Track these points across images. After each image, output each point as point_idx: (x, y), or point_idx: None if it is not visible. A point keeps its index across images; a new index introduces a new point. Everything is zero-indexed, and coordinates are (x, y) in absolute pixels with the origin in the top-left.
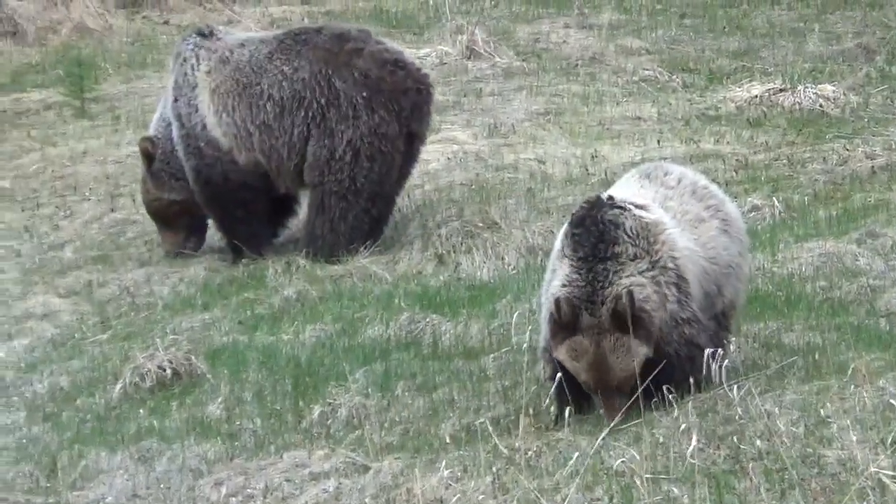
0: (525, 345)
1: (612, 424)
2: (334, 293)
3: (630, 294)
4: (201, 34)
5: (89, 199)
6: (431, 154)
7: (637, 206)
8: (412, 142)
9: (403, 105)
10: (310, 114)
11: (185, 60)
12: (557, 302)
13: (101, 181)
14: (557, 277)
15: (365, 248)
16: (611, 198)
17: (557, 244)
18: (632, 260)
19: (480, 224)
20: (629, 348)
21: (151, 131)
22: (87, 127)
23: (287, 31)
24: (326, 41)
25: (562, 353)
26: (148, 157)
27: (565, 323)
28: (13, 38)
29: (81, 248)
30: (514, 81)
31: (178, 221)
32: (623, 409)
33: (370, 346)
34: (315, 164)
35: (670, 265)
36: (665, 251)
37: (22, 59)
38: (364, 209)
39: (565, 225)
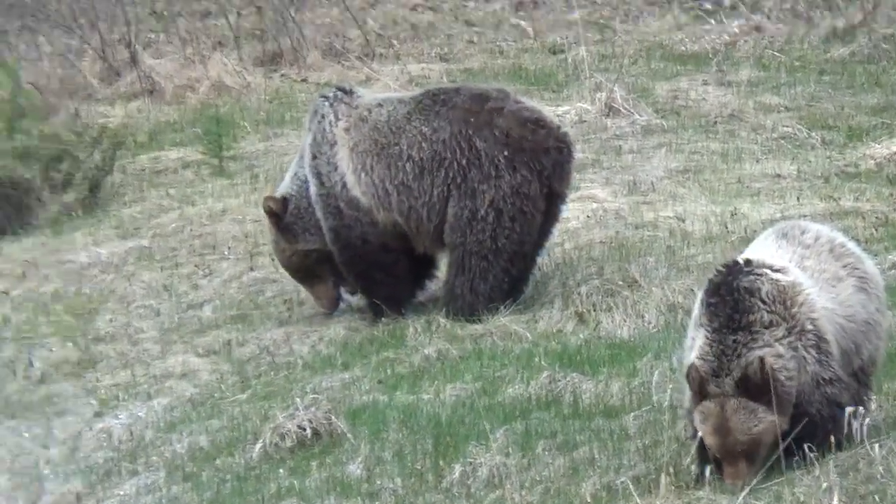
0: (666, 403)
1: (742, 489)
2: (474, 352)
3: (760, 361)
4: (340, 92)
5: (228, 258)
6: (571, 212)
7: (774, 269)
8: (553, 201)
9: (545, 164)
10: (450, 174)
11: (322, 117)
12: (688, 373)
13: (239, 240)
14: (695, 347)
15: (505, 307)
16: (748, 262)
17: (695, 310)
18: (766, 327)
19: (620, 282)
20: (754, 414)
21: (283, 189)
22: (226, 185)
23: (425, 91)
24: (466, 101)
25: (695, 417)
26: (274, 217)
27: (696, 391)
28: (151, 97)
29: (220, 308)
30: (653, 139)
31: (321, 270)
32: (745, 476)
33: (510, 404)
34: (456, 225)
35: (809, 327)
36: (803, 313)
37: (160, 118)
38: (504, 269)
39: (702, 291)
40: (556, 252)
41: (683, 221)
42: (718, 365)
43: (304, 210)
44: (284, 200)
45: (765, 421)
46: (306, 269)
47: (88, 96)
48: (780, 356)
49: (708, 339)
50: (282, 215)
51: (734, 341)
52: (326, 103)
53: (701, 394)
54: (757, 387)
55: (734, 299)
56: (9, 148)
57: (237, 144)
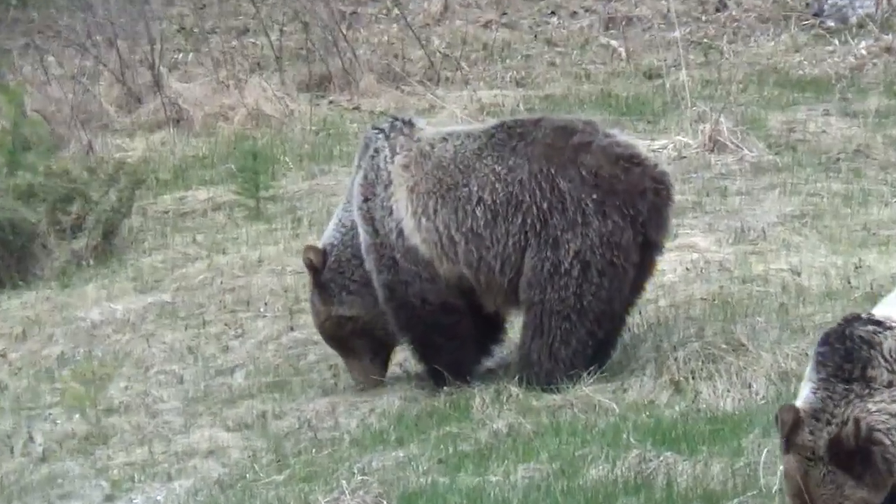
0: (775, 487)
1: None
2: (551, 427)
3: (856, 424)
4: (398, 122)
5: (264, 316)
6: (668, 263)
7: None
8: (648, 251)
9: (639, 208)
10: (528, 220)
11: (376, 152)
12: (778, 413)
13: (278, 295)
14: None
15: (588, 374)
16: (871, 315)
17: (807, 368)
18: (886, 387)
19: (724, 346)
20: (840, 490)
21: (325, 239)
22: (263, 231)
23: (499, 123)
24: (547, 135)
25: (781, 468)
26: (314, 271)
27: (785, 435)
28: (177, 127)
29: (254, 374)
30: (764, 178)
31: (355, 343)
32: None
33: (593, 488)
34: (534, 280)
35: None
36: None
37: (187, 151)
38: (589, 331)
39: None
40: (649, 310)
41: (799, 275)
42: (821, 407)
43: (346, 264)
44: (324, 252)
45: (852, 499)
46: (339, 339)
47: (104, 126)
48: (890, 418)
49: (814, 387)
50: (320, 269)
51: (845, 390)
52: (381, 136)
53: (789, 441)
54: (849, 455)
55: (847, 349)
56: (10, 186)
57: (277, 183)
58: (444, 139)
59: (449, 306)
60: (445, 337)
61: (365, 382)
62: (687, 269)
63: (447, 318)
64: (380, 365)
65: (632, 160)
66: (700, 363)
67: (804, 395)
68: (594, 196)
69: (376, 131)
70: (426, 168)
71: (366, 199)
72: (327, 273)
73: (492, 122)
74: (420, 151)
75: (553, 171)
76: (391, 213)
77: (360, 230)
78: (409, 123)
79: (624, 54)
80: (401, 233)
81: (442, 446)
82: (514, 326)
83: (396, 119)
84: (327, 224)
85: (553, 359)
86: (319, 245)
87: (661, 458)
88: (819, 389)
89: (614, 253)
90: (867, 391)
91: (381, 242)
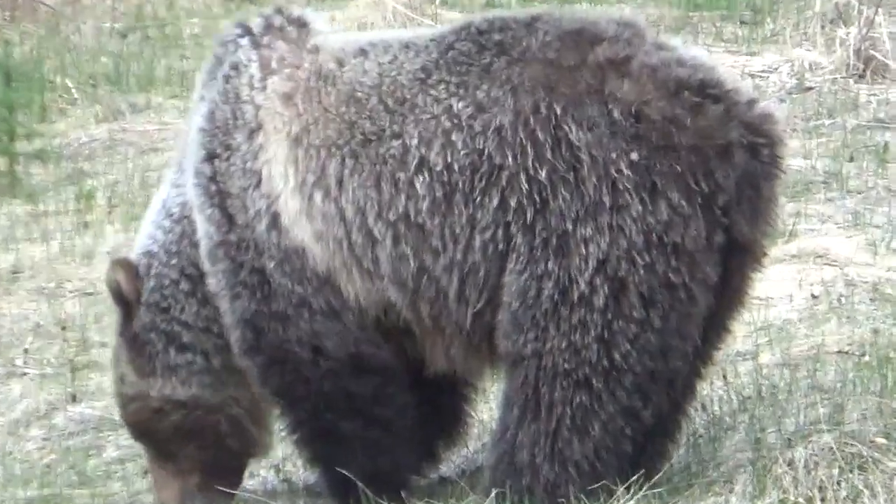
0: None
1: None
2: None
3: None
4: (277, 19)
5: (23, 375)
6: (778, 285)
7: None
8: (737, 261)
9: (720, 180)
10: (511, 203)
11: (235, 70)
12: None
13: (48, 336)
14: None
15: (627, 488)
16: None
17: None
18: None
19: (882, 440)
20: None
21: (140, 243)
22: (23, 216)
23: (462, 24)
24: (549, 46)
25: None
26: (126, 306)
27: None
28: None
29: (2, 483)
30: None
31: (181, 447)
32: None
33: None
34: (523, 315)
35: None
36: None
37: None
38: (626, 409)
39: None
40: (741, 373)
41: None
42: None
43: (172, 291)
44: (137, 272)
45: None
46: (153, 434)
47: None
48: None
49: None
50: (134, 301)
51: None
52: (246, 42)
53: None
54: None
55: None
56: None
57: (49, 128)
58: (362, 52)
59: (364, 361)
60: (357, 419)
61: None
62: (813, 297)
63: (360, 382)
64: (214, 494)
65: (705, 91)
66: (836, 471)
67: None
68: (634, 157)
69: (237, 33)
70: (326, 102)
71: (211, 158)
72: (145, 313)
73: (449, 25)
74: (316, 71)
75: (559, 112)
76: (259, 183)
77: (199, 217)
78: (299, 22)
79: None
80: (276, 221)
81: None
82: (490, 403)
83: (277, 13)
84: (143, 218)
85: (560, 459)
86: (132, 257)
87: None
88: None
89: (672, 264)
90: None
91: (238, 240)
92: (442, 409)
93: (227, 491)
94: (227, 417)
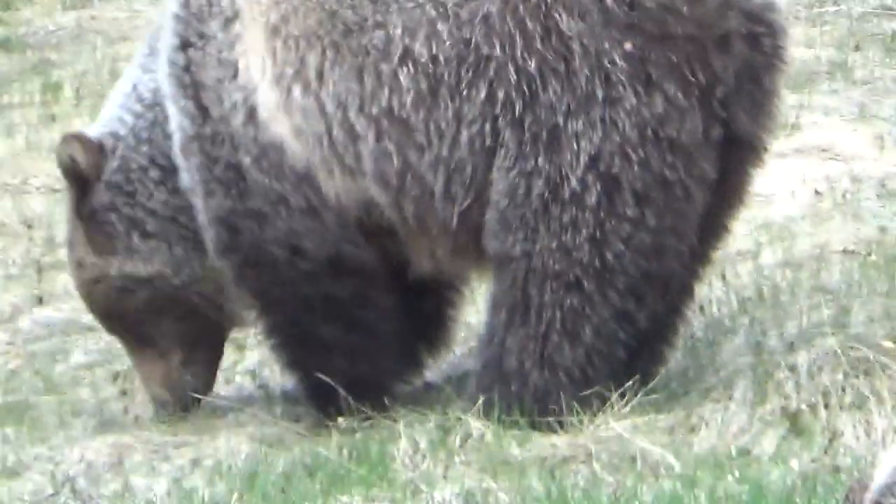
0: None
1: None
2: (550, 497)
3: None
4: None
5: None
6: (780, 182)
7: None
8: (737, 156)
9: (718, 72)
10: (499, 95)
11: None
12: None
13: (14, 235)
14: None
15: (621, 395)
16: None
17: None
18: None
19: (889, 344)
20: None
21: (103, 124)
22: None
23: None
24: None
25: None
26: (79, 182)
27: None
28: None
29: None
30: None
31: (156, 324)
32: None
33: None
34: (511, 214)
35: None
36: None
37: None
38: (620, 312)
39: None
40: (741, 273)
41: None
42: None
43: (140, 176)
44: (99, 148)
45: None
46: (122, 317)
47: None
48: None
49: None
50: (91, 179)
51: None
52: None
53: None
54: None
55: None
56: None
57: (13, 16)
58: None
59: (345, 262)
60: (338, 322)
61: (168, 399)
62: (816, 192)
63: (341, 283)
64: (200, 368)
65: None
66: (841, 377)
67: None
68: (628, 47)
69: None
70: None
71: (185, 46)
72: (104, 192)
73: None
74: None
75: (549, 1)
76: (235, 75)
77: (172, 108)
78: None
79: None
80: (253, 115)
81: None
82: (476, 305)
83: None
84: (110, 97)
85: (550, 365)
86: (92, 135)
87: None
88: None
89: (668, 159)
90: None
91: (213, 133)
92: (426, 313)
93: (204, 378)
94: (196, 293)
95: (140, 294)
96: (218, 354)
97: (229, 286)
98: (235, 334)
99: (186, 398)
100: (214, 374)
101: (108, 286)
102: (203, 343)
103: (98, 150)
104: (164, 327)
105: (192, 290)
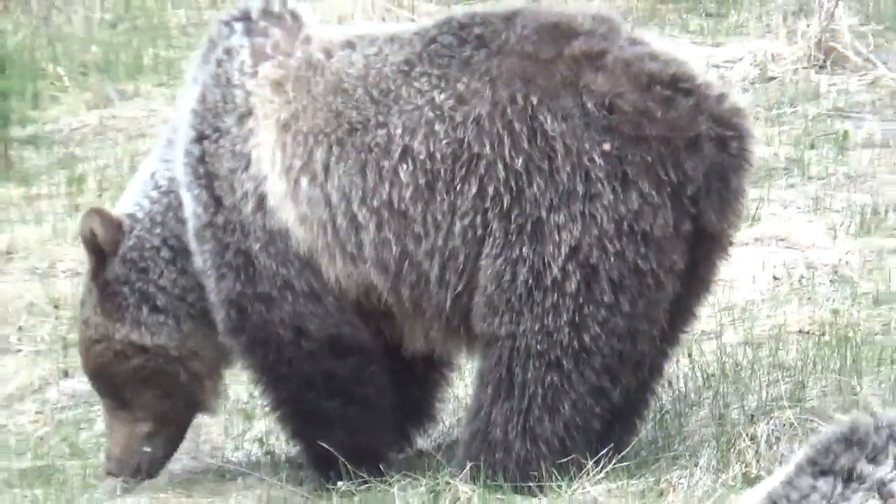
0: None
1: None
2: None
3: None
4: (271, 9)
5: (17, 351)
6: (741, 268)
7: None
8: (704, 248)
9: (689, 171)
10: (489, 190)
11: (228, 55)
12: None
13: (41, 314)
14: None
15: (596, 462)
16: None
17: None
18: None
19: (840, 416)
20: None
21: (125, 205)
22: (17, 198)
23: (445, 19)
24: (527, 39)
25: None
26: (97, 253)
27: None
28: None
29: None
30: None
31: (137, 393)
32: None
33: None
34: (498, 298)
35: None
36: None
37: None
38: (596, 388)
39: None
40: (706, 352)
41: None
42: None
43: (153, 255)
44: (119, 226)
45: None
46: (112, 377)
47: None
48: None
49: None
50: (108, 250)
51: None
52: (239, 28)
53: None
54: None
55: None
56: None
57: (41, 114)
58: (350, 44)
59: (344, 342)
60: (338, 397)
61: (122, 463)
62: (775, 279)
63: (341, 362)
64: (161, 444)
65: (677, 85)
66: (797, 446)
67: None
68: (607, 147)
69: (231, 20)
70: (314, 91)
71: (201, 139)
72: (120, 266)
73: (432, 20)
74: (306, 61)
75: (535, 103)
76: (247, 166)
77: (187, 196)
78: (292, 13)
79: None
80: (262, 203)
81: None
82: (465, 380)
83: (268, 9)
84: (130, 183)
85: (531, 436)
86: (114, 212)
87: None
88: None
89: (642, 251)
90: None
91: (225, 221)
92: (419, 390)
93: (163, 449)
94: (187, 369)
95: (135, 361)
96: (180, 437)
97: (224, 364)
98: (244, 405)
99: (139, 468)
100: (171, 455)
101: (108, 348)
102: (173, 423)
103: (117, 226)
104: (145, 398)
105: (186, 366)
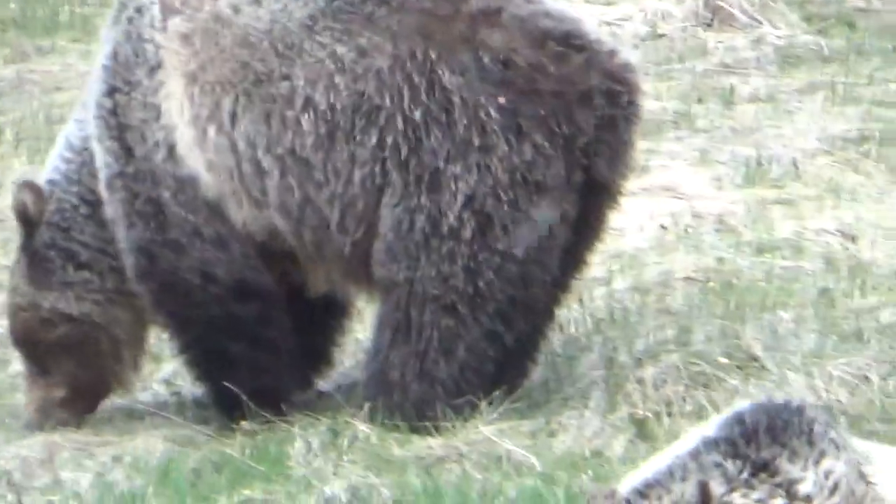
0: None
1: None
2: (424, 493)
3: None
4: None
5: None
6: (630, 219)
7: None
8: (595, 198)
9: (581, 124)
10: (388, 141)
11: (138, 13)
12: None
13: None
14: None
15: (490, 404)
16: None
17: None
18: None
19: (724, 359)
20: None
21: (47, 172)
22: None
23: None
24: None
25: None
26: (29, 226)
27: None
28: None
29: None
30: (798, 74)
31: (58, 361)
32: None
33: None
34: (396, 244)
35: None
36: None
37: None
38: (490, 331)
39: None
40: (596, 298)
41: (854, 241)
42: None
43: (73, 214)
44: (42, 193)
45: None
46: (35, 345)
47: None
48: None
49: None
50: (37, 221)
51: None
52: None
53: None
54: None
55: None
56: None
57: None
58: (256, 0)
59: (249, 286)
60: (242, 340)
61: (38, 417)
62: (663, 227)
63: (246, 306)
64: (71, 412)
65: (570, 41)
66: (682, 388)
67: None
68: (502, 101)
69: None
70: (221, 43)
71: (113, 92)
72: (45, 231)
73: None
74: (213, 15)
75: (433, 58)
76: (157, 117)
77: (98, 149)
78: None
79: None
80: (172, 153)
81: None
82: (365, 323)
83: None
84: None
85: (428, 378)
86: (42, 181)
87: None
88: None
89: (535, 200)
90: None
91: (135, 171)
92: (323, 324)
93: (81, 406)
94: (109, 337)
95: (60, 330)
96: (92, 407)
97: (144, 332)
98: (151, 347)
99: (53, 418)
100: (79, 423)
101: (35, 316)
102: (86, 395)
103: (43, 195)
104: (64, 366)
105: (108, 333)
